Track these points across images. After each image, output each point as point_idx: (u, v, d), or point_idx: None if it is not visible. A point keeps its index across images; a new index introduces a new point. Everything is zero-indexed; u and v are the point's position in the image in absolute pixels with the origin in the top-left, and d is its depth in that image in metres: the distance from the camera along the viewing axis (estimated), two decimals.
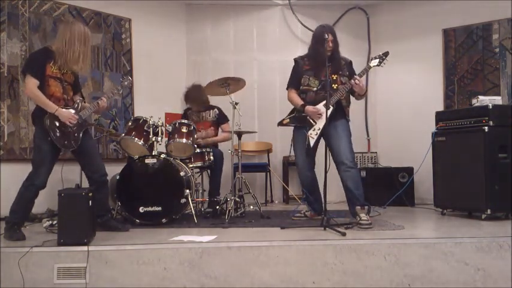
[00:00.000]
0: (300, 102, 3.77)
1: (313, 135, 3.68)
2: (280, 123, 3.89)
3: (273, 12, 5.95)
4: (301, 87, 3.81)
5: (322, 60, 3.56)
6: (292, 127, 3.88)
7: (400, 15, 5.69)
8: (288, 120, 3.84)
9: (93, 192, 3.08)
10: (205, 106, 4.89)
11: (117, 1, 5.21)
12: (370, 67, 3.70)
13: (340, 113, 3.70)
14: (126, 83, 3.73)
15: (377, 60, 3.67)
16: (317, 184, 3.88)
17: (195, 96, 4.80)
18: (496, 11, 4.98)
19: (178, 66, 5.81)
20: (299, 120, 3.78)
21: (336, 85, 3.68)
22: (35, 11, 4.62)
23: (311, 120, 3.71)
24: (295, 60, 3.94)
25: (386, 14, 5.82)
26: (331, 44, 3.69)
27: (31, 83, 3.15)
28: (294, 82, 3.88)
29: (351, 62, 3.87)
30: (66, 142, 3.24)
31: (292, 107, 3.89)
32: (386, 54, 3.67)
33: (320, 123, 3.64)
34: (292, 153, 5.52)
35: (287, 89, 3.93)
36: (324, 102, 3.56)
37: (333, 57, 3.72)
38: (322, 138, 3.72)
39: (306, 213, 3.98)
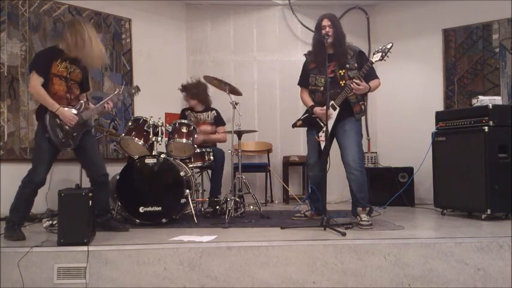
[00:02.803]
0: (310, 103, 3.73)
1: (322, 137, 3.59)
2: (294, 125, 3.85)
3: (273, 12, 5.95)
4: (309, 87, 3.75)
5: (321, 47, 3.47)
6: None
7: (400, 15, 5.69)
8: (301, 122, 3.80)
9: (94, 191, 3.09)
10: (205, 107, 4.88)
11: (117, 1, 5.21)
12: (372, 62, 3.46)
13: (347, 111, 3.58)
14: (133, 91, 3.73)
15: (379, 54, 3.43)
16: (325, 185, 3.84)
17: (198, 93, 4.75)
18: (496, 11, 4.98)
19: (178, 66, 5.80)
20: (310, 122, 3.74)
21: (344, 81, 3.55)
22: (35, 11, 4.62)
23: (320, 122, 3.65)
24: (305, 55, 3.88)
25: (386, 14, 5.82)
26: (328, 29, 3.57)
27: (35, 80, 3.17)
28: (304, 81, 3.82)
29: (360, 52, 3.65)
30: (64, 141, 3.25)
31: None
32: (389, 47, 3.42)
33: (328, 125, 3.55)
34: (293, 153, 5.61)
35: (298, 85, 3.88)
36: (332, 102, 3.52)
37: (335, 49, 3.60)
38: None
39: (306, 213, 3.97)
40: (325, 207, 3.43)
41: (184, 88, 4.88)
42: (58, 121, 3.22)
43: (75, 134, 3.30)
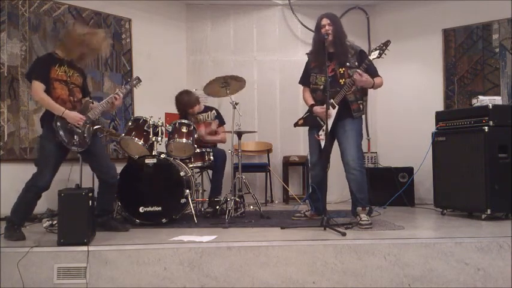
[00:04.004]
0: (310, 102, 3.73)
1: (322, 136, 3.58)
2: (296, 124, 3.84)
3: (273, 12, 5.95)
4: (310, 85, 3.75)
5: (321, 48, 3.47)
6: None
7: (400, 15, 5.70)
8: (302, 121, 3.79)
9: (100, 192, 3.07)
10: (203, 108, 4.87)
11: (117, 1, 5.21)
12: (370, 60, 3.48)
13: (346, 110, 3.57)
14: (134, 82, 3.72)
15: (377, 51, 3.46)
16: (325, 185, 3.83)
17: (185, 104, 4.67)
18: (496, 11, 4.98)
19: (178, 66, 5.81)
20: (311, 121, 3.73)
21: (344, 79, 3.54)
22: (35, 11, 4.62)
23: (320, 121, 3.64)
24: (307, 54, 3.87)
25: (387, 14, 5.83)
26: (327, 28, 3.57)
27: (37, 87, 3.17)
28: (305, 80, 3.82)
29: (361, 51, 3.65)
30: (75, 143, 3.26)
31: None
32: (386, 44, 3.45)
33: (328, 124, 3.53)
34: (293, 153, 5.62)
35: (300, 83, 3.88)
36: (331, 101, 3.51)
37: (336, 48, 3.59)
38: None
39: (306, 213, 3.97)
40: (325, 207, 3.43)
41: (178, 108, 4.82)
42: (67, 124, 3.21)
43: (85, 135, 3.30)
